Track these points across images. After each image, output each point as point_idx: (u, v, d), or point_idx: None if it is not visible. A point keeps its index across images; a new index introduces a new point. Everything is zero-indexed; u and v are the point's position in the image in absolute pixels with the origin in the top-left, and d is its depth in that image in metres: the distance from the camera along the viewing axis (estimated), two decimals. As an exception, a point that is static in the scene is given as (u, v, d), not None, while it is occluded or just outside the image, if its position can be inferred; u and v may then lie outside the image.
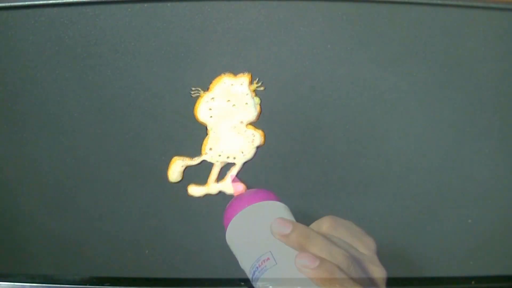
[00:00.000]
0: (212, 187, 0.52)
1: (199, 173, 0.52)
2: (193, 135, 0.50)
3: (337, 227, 0.39)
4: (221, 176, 0.52)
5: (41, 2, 0.45)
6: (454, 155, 0.53)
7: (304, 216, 0.55)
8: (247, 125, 0.50)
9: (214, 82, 0.48)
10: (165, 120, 0.50)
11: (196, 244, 0.56)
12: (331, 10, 0.46)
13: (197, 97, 0.48)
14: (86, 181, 0.52)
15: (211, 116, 0.49)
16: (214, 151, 0.50)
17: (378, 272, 0.38)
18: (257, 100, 0.49)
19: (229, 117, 0.49)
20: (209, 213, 0.54)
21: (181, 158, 0.50)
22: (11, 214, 0.53)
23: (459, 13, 0.47)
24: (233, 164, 0.51)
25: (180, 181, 0.52)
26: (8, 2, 0.45)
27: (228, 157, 0.51)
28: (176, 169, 0.51)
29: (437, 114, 0.51)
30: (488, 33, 0.48)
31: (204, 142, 0.50)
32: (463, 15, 0.47)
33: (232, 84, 0.48)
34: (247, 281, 0.58)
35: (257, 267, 0.37)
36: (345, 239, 0.39)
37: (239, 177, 0.52)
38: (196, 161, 0.51)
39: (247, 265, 0.39)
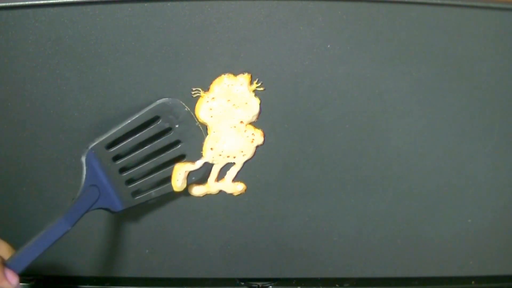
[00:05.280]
0: (212, 186, 0.52)
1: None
2: (193, 135, 0.50)
3: None
4: (221, 176, 0.52)
5: (41, 2, 0.45)
6: (454, 155, 0.53)
7: (304, 216, 0.55)
8: (247, 124, 0.50)
9: (214, 82, 0.48)
10: (165, 120, 0.50)
11: (196, 244, 0.56)
12: (331, 10, 0.46)
13: (198, 97, 0.49)
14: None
15: (211, 116, 0.49)
16: (214, 151, 0.50)
17: None
18: (257, 100, 0.49)
19: (229, 116, 0.49)
20: (209, 213, 0.54)
21: (183, 164, 0.50)
22: (11, 214, 0.53)
23: (459, 13, 0.47)
24: (233, 163, 0.51)
25: (185, 188, 0.51)
26: (8, 2, 0.45)
27: (228, 157, 0.51)
28: (179, 176, 0.50)
29: (437, 114, 0.51)
30: (488, 33, 0.48)
31: (205, 142, 0.50)
32: (463, 15, 0.47)
33: (232, 84, 0.48)
34: (247, 281, 0.58)
35: None
36: None
37: (239, 176, 0.52)
38: (198, 164, 0.50)
39: None
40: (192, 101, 0.49)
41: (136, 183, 0.50)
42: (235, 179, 0.52)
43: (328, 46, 0.48)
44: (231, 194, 0.53)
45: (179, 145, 0.49)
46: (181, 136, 0.49)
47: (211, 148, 0.50)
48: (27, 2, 0.45)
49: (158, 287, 0.58)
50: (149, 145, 0.49)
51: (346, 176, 0.53)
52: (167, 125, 0.48)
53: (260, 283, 0.58)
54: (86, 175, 0.47)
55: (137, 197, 0.50)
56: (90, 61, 0.47)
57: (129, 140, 0.48)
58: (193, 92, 0.48)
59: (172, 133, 0.49)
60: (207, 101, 0.48)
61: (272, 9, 0.46)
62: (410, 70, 0.49)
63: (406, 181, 0.54)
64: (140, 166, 0.49)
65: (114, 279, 0.58)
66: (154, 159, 0.49)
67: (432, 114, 0.51)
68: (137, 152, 0.49)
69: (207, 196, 0.53)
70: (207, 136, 0.50)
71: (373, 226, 0.55)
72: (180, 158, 0.50)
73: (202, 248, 0.56)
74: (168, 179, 0.50)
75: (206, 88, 0.48)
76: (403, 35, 0.48)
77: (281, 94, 0.49)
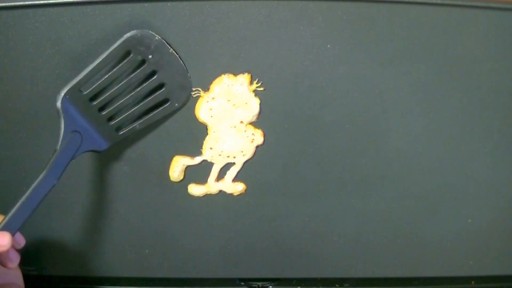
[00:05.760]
0: (212, 186, 0.52)
1: (199, 172, 0.52)
2: (194, 135, 0.50)
3: None
4: (221, 176, 0.52)
5: (41, 2, 0.45)
6: (454, 155, 0.53)
7: (304, 216, 0.55)
8: (247, 124, 0.50)
9: (214, 82, 0.48)
10: (166, 119, 0.50)
11: (196, 244, 0.56)
12: (331, 10, 0.46)
13: (198, 97, 0.49)
14: (86, 181, 0.52)
15: (211, 116, 0.49)
16: (214, 150, 0.50)
17: None
18: (257, 100, 0.49)
19: (229, 116, 0.49)
20: (209, 213, 0.54)
21: (182, 157, 0.51)
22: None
23: (459, 13, 0.47)
24: (233, 163, 0.51)
25: (181, 180, 0.52)
26: (8, 2, 0.45)
27: (228, 157, 0.51)
28: (177, 168, 0.51)
29: (437, 114, 0.51)
30: (488, 33, 0.48)
31: (205, 141, 0.50)
32: (463, 15, 0.47)
33: (232, 84, 0.48)
34: (247, 281, 0.58)
35: None
36: None
37: (239, 176, 0.52)
38: (197, 160, 0.51)
39: None
40: (192, 101, 0.49)
41: (118, 119, 0.49)
42: (235, 179, 0.52)
43: (328, 46, 0.48)
44: (231, 194, 0.53)
45: (156, 75, 0.48)
46: (156, 66, 0.47)
47: (211, 148, 0.50)
48: (27, 2, 0.45)
49: (158, 287, 0.58)
50: (125, 80, 0.47)
51: (346, 176, 0.53)
52: (139, 58, 0.47)
53: (260, 283, 0.58)
54: (64, 122, 0.46)
55: (121, 132, 0.49)
56: (90, 61, 0.47)
57: (103, 79, 0.46)
58: (193, 92, 0.48)
59: (146, 64, 0.47)
60: (207, 101, 0.48)
61: (272, 9, 0.46)
62: (410, 70, 0.49)
63: (406, 181, 0.54)
64: (120, 102, 0.48)
65: (114, 279, 0.58)
66: (133, 93, 0.48)
67: (432, 114, 0.51)
68: (114, 89, 0.47)
69: (207, 196, 0.53)
70: (207, 136, 0.50)
71: (373, 226, 0.55)
72: (159, 87, 0.48)
73: (202, 248, 0.56)
74: (150, 109, 0.49)
75: (206, 88, 0.48)
76: (403, 35, 0.48)
77: (281, 94, 0.49)
